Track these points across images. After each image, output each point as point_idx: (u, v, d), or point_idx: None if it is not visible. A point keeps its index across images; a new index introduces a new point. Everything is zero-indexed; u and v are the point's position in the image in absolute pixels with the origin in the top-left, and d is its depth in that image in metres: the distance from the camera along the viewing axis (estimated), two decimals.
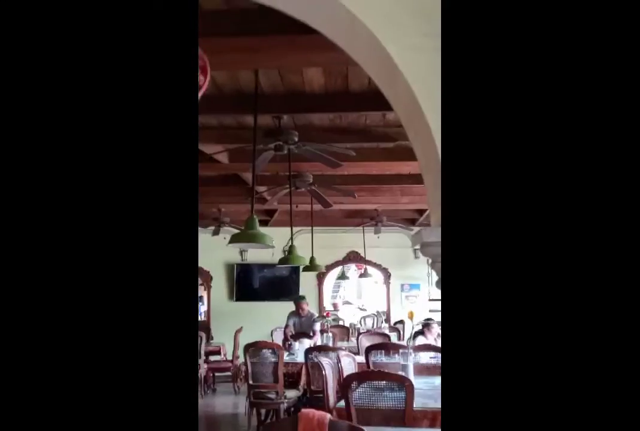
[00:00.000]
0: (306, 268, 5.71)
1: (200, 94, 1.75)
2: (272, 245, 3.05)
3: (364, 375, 3.35)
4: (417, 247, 9.17)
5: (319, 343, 6.31)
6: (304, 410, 2.17)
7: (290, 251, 4.60)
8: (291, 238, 4.93)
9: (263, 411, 5.58)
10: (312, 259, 5.69)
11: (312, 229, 6.05)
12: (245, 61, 2.92)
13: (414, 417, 3.20)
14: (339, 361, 4.29)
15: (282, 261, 4.83)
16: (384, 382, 3.28)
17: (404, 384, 3.21)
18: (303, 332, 6.71)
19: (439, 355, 4.86)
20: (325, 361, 3.89)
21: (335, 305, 11.11)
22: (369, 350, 5.04)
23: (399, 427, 3.09)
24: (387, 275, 9.43)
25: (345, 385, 3.21)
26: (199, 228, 7.44)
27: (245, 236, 2.91)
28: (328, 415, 2.12)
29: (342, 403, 3.50)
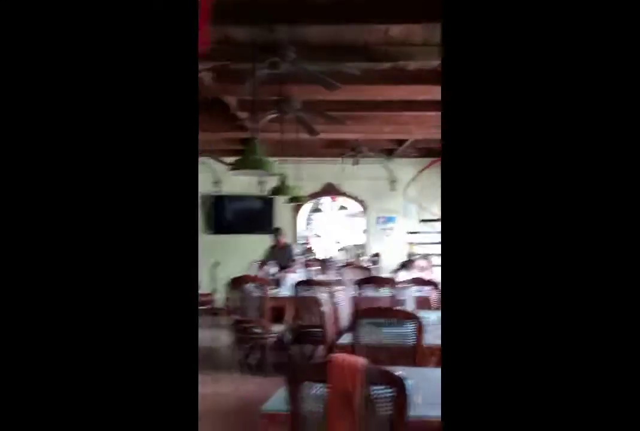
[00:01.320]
0: (291, 200, 5.43)
1: None
2: (277, 173, 2.75)
3: (373, 311, 3.17)
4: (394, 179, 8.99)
5: (299, 271, 6.16)
6: (335, 355, 1.95)
7: (282, 182, 4.30)
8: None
9: (247, 346, 5.47)
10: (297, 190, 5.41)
11: (299, 159, 5.73)
12: None
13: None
14: (333, 296, 4.12)
15: (274, 192, 4.54)
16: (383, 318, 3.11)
17: (413, 320, 3.05)
18: (284, 265, 6.55)
19: (425, 288, 4.77)
20: (324, 297, 3.70)
21: (307, 238, 10.96)
22: (359, 283, 4.89)
23: (410, 366, 2.94)
24: (364, 208, 9.24)
25: (353, 321, 3.02)
26: None
27: (250, 162, 2.60)
28: (362, 360, 1.92)
29: (342, 340, 3.34)
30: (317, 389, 1.95)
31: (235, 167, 2.62)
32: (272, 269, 6.22)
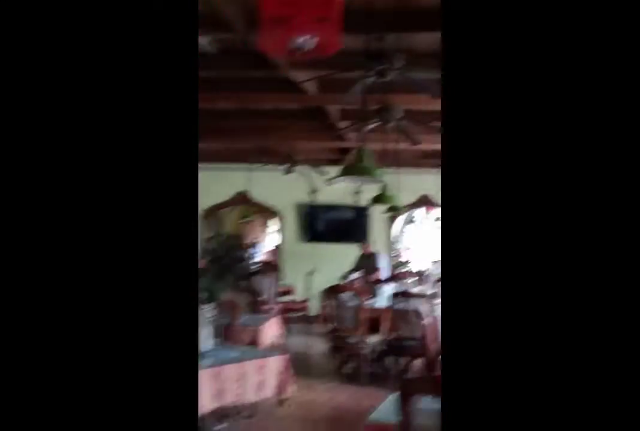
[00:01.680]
0: (388, 209, 5.40)
1: None
2: (382, 181, 2.73)
3: None
4: None
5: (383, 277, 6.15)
6: None
7: (383, 191, 4.28)
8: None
9: (343, 355, 5.46)
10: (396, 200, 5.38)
11: (396, 169, 5.68)
12: None
13: None
14: (433, 309, 4.03)
15: (376, 200, 4.53)
16: None
17: None
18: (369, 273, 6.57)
19: None
20: (424, 310, 3.62)
21: (401, 250, 10.81)
22: None
23: None
24: None
25: None
26: (269, 166, 7.15)
27: (358, 170, 2.59)
28: None
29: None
30: (428, 403, 1.89)
31: (343, 173, 2.62)
32: (356, 277, 6.25)
